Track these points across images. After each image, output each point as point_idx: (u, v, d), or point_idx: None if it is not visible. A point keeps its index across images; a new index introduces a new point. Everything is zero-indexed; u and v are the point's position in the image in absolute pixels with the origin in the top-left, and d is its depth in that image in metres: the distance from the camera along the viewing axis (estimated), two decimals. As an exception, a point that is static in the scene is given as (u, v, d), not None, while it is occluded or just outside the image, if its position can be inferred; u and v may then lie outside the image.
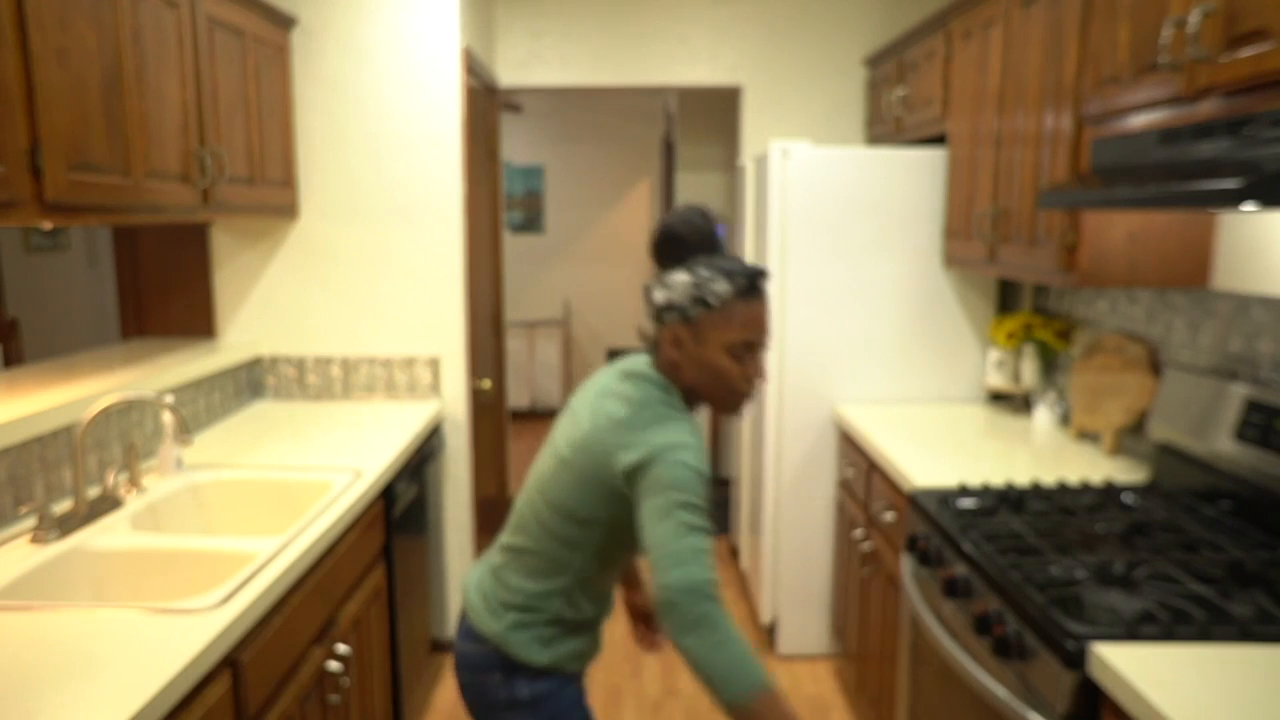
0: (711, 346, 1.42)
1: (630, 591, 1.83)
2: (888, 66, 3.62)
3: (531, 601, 1.49)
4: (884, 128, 3.66)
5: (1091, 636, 1.35)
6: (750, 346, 1.43)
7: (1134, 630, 1.36)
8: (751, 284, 1.41)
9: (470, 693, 1.55)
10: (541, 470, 1.51)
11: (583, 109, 6.98)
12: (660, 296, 1.43)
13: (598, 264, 7.24)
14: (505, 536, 1.56)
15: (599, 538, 1.46)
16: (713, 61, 4.03)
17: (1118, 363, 2.39)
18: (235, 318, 3.08)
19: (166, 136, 2.10)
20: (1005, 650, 1.52)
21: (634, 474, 1.36)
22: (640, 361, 1.50)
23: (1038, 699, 1.43)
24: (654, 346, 1.48)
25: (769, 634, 3.35)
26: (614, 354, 6.01)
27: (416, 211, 3.05)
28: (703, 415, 5.20)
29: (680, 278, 1.41)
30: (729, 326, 1.41)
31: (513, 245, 7.12)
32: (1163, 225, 2.06)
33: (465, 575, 1.56)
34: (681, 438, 1.37)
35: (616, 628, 3.51)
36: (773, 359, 3.14)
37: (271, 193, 2.77)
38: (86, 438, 2.04)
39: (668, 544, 1.28)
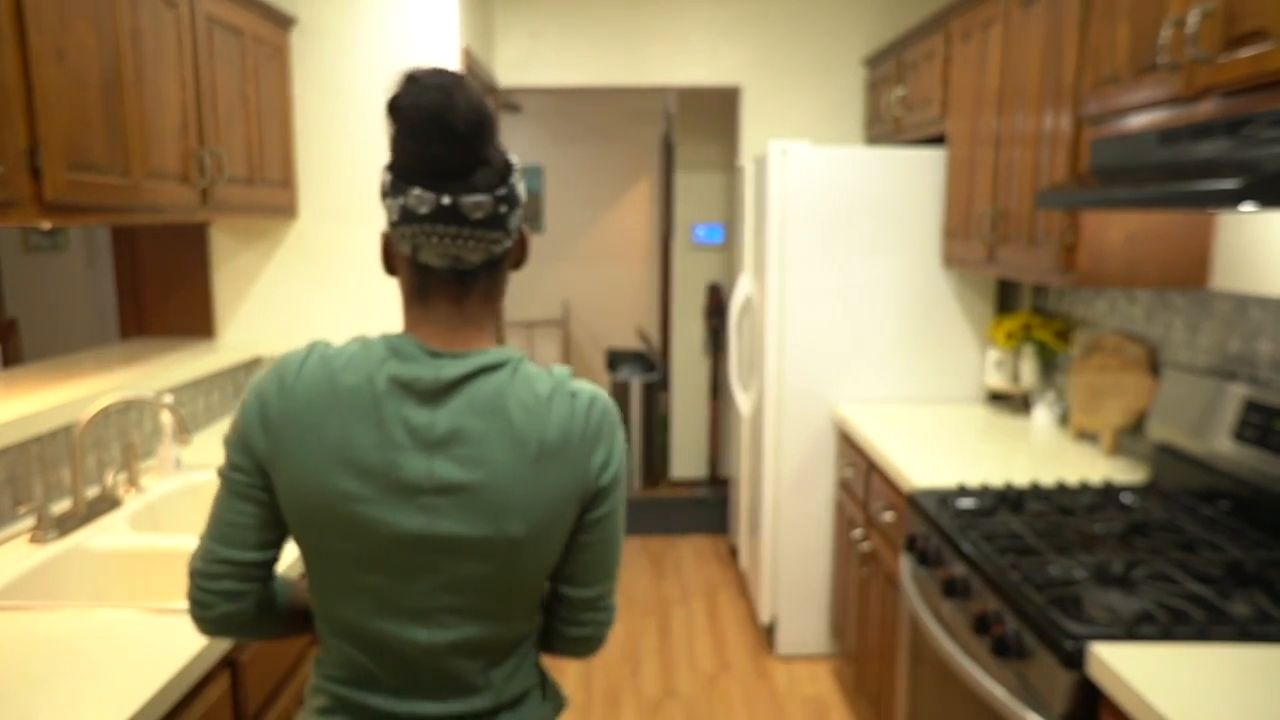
0: None
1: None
2: (887, 66, 3.62)
3: None
4: (883, 128, 3.67)
5: (1090, 636, 1.35)
6: None
7: (1133, 630, 1.36)
8: None
9: None
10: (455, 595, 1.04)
11: (582, 109, 6.98)
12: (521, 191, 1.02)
13: (597, 264, 7.24)
14: (453, 671, 1.05)
15: None
16: (712, 61, 4.03)
17: (1117, 363, 2.39)
18: (234, 318, 3.07)
19: (165, 136, 2.10)
20: (1004, 650, 1.52)
21: None
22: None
23: (1036, 699, 1.43)
24: (496, 288, 1.05)
25: (768, 634, 3.35)
26: (614, 354, 6.01)
27: (416, 211, 3.05)
28: (703, 415, 5.20)
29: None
30: None
31: (512, 245, 7.11)
32: (1162, 225, 2.06)
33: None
34: None
35: (615, 627, 3.52)
36: (772, 359, 3.14)
37: (270, 193, 2.77)
38: (85, 438, 2.04)
39: None
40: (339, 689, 1.05)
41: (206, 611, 1.04)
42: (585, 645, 1.14)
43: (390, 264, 1.05)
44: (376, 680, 1.03)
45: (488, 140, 0.97)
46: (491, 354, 1.00)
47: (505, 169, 0.99)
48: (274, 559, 1.07)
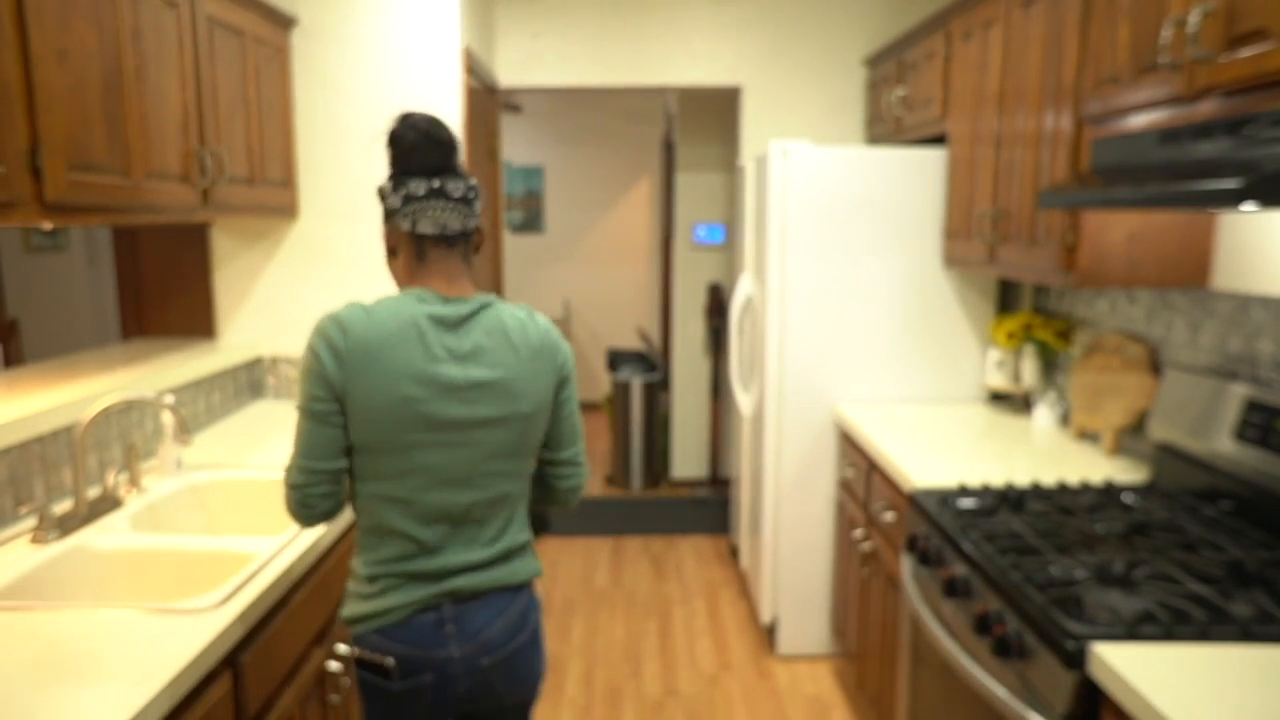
0: None
1: None
2: (888, 66, 3.62)
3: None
4: (884, 128, 3.66)
5: (1091, 636, 1.35)
6: None
7: (1134, 630, 1.36)
8: None
9: (510, 676, 1.53)
10: (487, 459, 1.47)
11: (583, 109, 6.98)
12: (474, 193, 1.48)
13: (598, 264, 7.24)
14: (477, 519, 1.47)
15: None
16: (713, 61, 4.03)
17: (1118, 363, 2.39)
18: (235, 318, 3.08)
19: (166, 136, 2.10)
20: (1005, 650, 1.52)
21: None
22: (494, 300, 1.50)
23: (1037, 699, 1.43)
24: (471, 251, 1.51)
25: (769, 634, 3.35)
26: (615, 354, 6.01)
27: (416, 211, 3.05)
28: (704, 415, 5.20)
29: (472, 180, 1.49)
30: None
31: (513, 245, 7.12)
32: (1163, 225, 2.06)
33: (465, 563, 1.45)
34: None
35: (616, 627, 3.52)
36: (773, 359, 3.14)
37: (271, 193, 2.77)
38: (87, 438, 2.04)
39: None
40: (391, 566, 1.43)
41: (311, 510, 1.41)
42: (572, 493, 1.64)
43: (392, 249, 1.47)
44: (423, 546, 1.42)
45: (457, 153, 1.46)
46: (481, 297, 1.46)
47: (467, 177, 1.48)
48: (348, 467, 1.43)
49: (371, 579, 1.44)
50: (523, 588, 1.54)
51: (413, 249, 1.44)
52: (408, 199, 1.42)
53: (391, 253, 1.47)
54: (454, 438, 1.40)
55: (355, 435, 1.38)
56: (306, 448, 1.39)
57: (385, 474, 1.40)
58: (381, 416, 1.36)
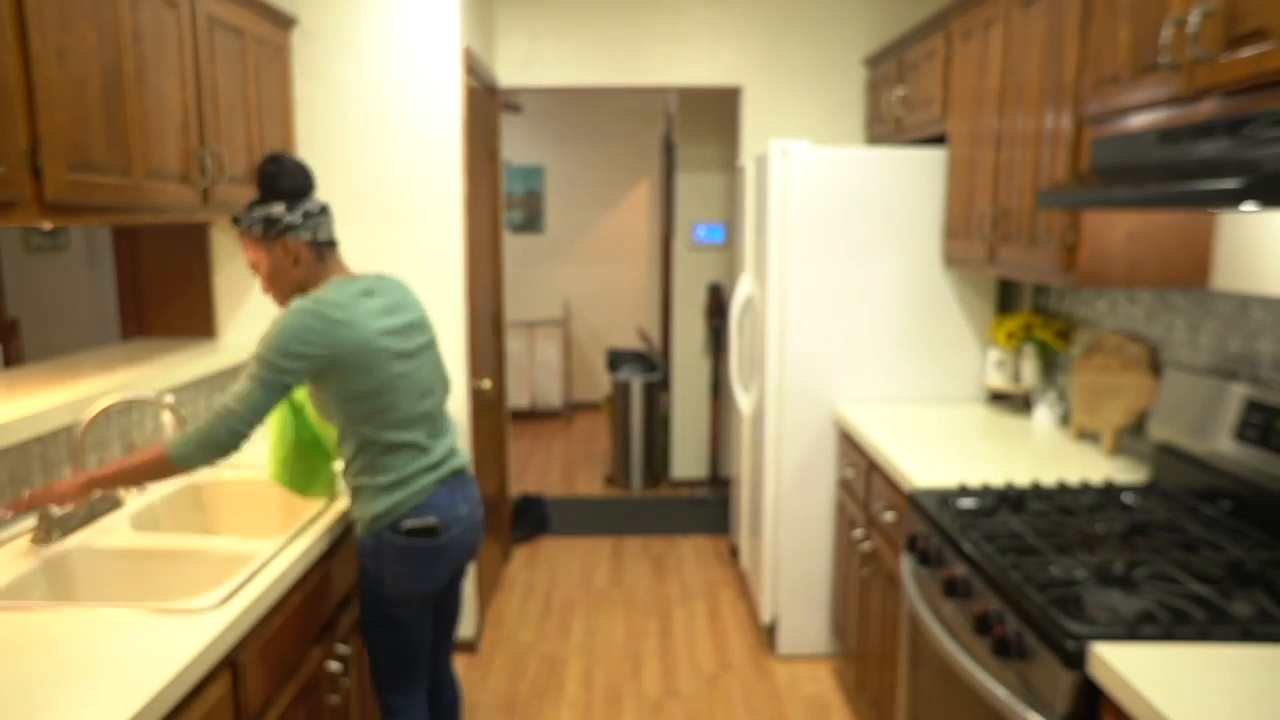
0: None
1: None
2: (888, 66, 3.62)
3: None
4: (884, 128, 3.66)
5: (1091, 636, 1.35)
6: None
7: (1134, 630, 1.36)
8: None
9: (482, 529, 2.07)
10: (424, 375, 1.94)
11: (583, 109, 6.98)
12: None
13: (598, 264, 7.24)
14: (439, 415, 1.99)
15: None
16: (713, 61, 4.03)
17: (1118, 363, 2.39)
18: (235, 318, 3.07)
19: (166, 136, 2.10)
20: (1005, 650, 1.52)
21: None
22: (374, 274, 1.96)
23: (1037, 699, 1.43)
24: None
25: (769, 634, 3.35)
26: (614, 354, 6.01)
27: (416, 211, 3.05)
28: (704, 415, 5.20)
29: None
30: None
31: (513, 245, 7.12)
32: (1163, 225, 2.06)
33: (443, 455, 1.94)
34: None
35: (616, 627, 3.52)
36: (773, 359, 3.14)
37: (271, 193, 2.77)
38: (87, 438, 2.04)
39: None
40: (407, 468, 1.86)
41: (233, 449, 1.73)
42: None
43: (295, 259, 1.84)
44: (419, 446, 1.89)
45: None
46: (368, 272, 1.96)
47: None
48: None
49: (394, 483, 1.85)
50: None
51: (314, 253, 1.85)
52: (307, 215, 1.83)
53: (294, 263, 1.84)
54: (411, 364, 1.88)
55: (356, 387, 1.79)
56: (259, 409, 1.72)
57: (381, 406, 1.83)
58: (372, 366, 1.79)
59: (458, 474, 1.97)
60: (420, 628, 1.96)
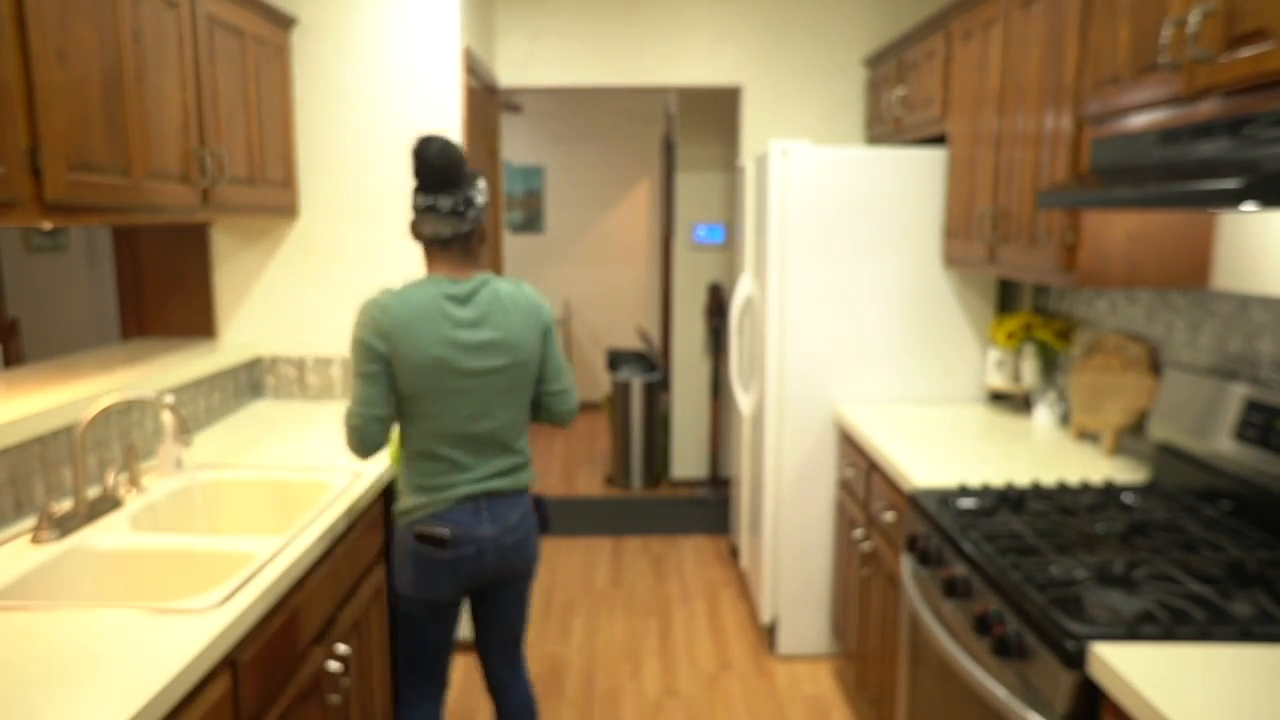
0: None
1: None
2: (888, 66, 3.62)
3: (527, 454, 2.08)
4: (884, 128, 3.66)
5: (1091, 636, 1.35)
6: None
7: (1134, 630, 1.36)
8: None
9: (519, 551, 2.03)
10: (484, 397, 1.94)
11: (583, 109, 6.98)
12: (481, 199, 1.92)
13: (598, 264, 7.24)
14: (494, 442, 1.97)
15: None
16: (713, 61, 4.03)
17: (1118, 363, 2.39)
18: (235, 318, 3.08)
19: (166, 136, 2.10)
20: (1005, 650, 1.52)
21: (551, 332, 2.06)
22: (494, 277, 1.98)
23: (1037, 699, 1.43)
24: (472, 246, 1.94)
25: (769, 634, 3.35)
26: (615, 354, 6.01)
27: (416, 211, 3.05)
28: (704, 415, 5.20)
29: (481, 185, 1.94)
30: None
31: (513, 245, 7.12)
32: (1163, 225, 2.06)
33: (482, 476, 1.95)
34: None
35: (616, 627, 3.52)
36: (773, 359, 3.14)
37: (271, 193, 2.77)
38: (87, 438, 2.04)
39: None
40: (436, 478, 1.91)
41: (366, 443, 1.87)
42: (567, 414, 2.11)
43: (417, 236, 1.92)
44: (454, 463, 1.91)
45: (456, 172, 1.87)
46: (480, 276, 1.94)
47: (468, 187, 1.90)
48: (393, 414, 1.91)
49: (422, 486, 1.92)
50: (527, 490, 2.06)
51: (424, 246, 1.92)
52: (415, 210, 1.89)
53: (416, 237, 1.92)
54: (472, 384, 1.89)
55: (403, 386, 1.85)
56: (364, 399, 1.85)
57: (426, 414, 1.88)
58: (421, 371, 1.84)
59: (495, 495, 1.96)
60: (432, 631, 2.00)
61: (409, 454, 1.94)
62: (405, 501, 1.94)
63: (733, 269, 4.78)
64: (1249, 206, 1.37)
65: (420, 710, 2.07)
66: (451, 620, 2.06)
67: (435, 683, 2.08)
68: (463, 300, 1.88)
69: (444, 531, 1.90)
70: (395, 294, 1.85)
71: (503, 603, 2.12)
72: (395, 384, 1.86)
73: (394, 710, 2.11)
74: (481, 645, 2.18)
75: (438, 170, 1.85)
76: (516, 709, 2.23)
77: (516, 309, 1.94)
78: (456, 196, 1.88)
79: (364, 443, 1.88)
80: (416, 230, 1.90)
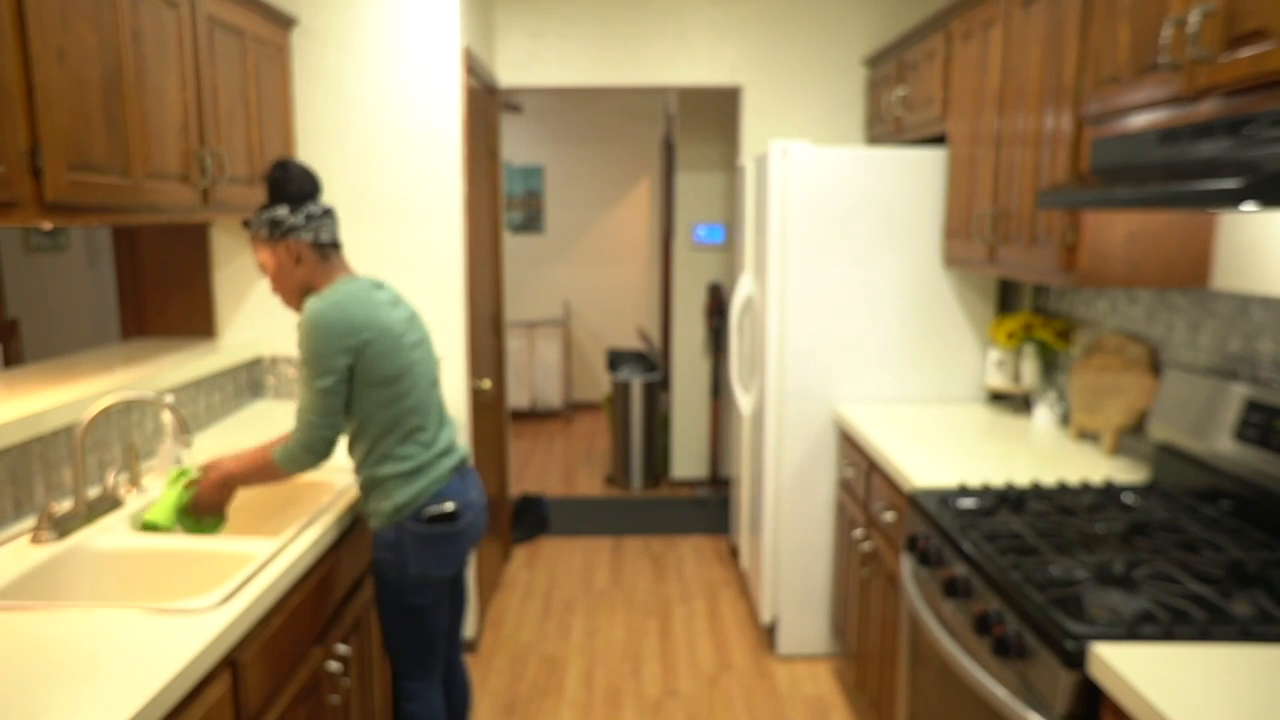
0: None
1: None
2: (888, 66, 3.62)
3: None
4: (884, 128, 3.66)
5: (1091, 636, 1.35)
6: None
7: (1134, 630, 1.36)
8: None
9: (487, 515, 2.16)
10: (429, 366, 2.06)
11: (583, 109, 6.98)
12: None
13: (598, 264, 7.24)
14: (439, 412, 2.08)
15: None
16: (713, 61, 4.03)
17: (1118, 363, 2.39)
18: (235, 318, 3.08)
19: (166, 136, 2.10)
20: (1005, 650, 1.52)
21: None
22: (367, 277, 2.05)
23: (1037, 699, 1.43)
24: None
25: (769, 634, 3.35)
26: (615, 354, 6.01)
27: (416, 211, 3.05)
28: (704, 415, 5.20)
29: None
30: None
31: (513, 245, 7.12)
32: (1163, 225, 2.06)
33: (449, 444, 2.06)
34: None
35: (616, 627, 3.52)
36: (773, 359, 3.14)
37: (271, 193, 2.77)
38: (86, 438, 2.04)
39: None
40: (422, 455, 1.97)
41: (326, 454, 1.90)
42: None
43: (296, 259, 1.93)
44: (430, 434, 2.00)
45: (316, 180, 1.98)
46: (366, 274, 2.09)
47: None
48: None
49: (414, 470, 1.96)
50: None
51: (316, 254, 1.95)
52: (309, 217, 1.93)
53: (296, 262, 1.93)
54: (420, 353, 2.02)
55: (383, 371, 1.90)
56: (333, 410, 1.88)
57: (402, 391, 1.94)
58: (393, 349, 1.91)
59: (464, 462, 2.10)
60: (439, 613, 2.06)
61: (386, 446, 1.95)
62: (401, 495, 1.94)
63: (733, 269, 4.78)
64: (1249, 206, 1.37)
65: (428, 694, 2.11)
66: (447, 598, 2.12)
67: (439, 664, 2.13)
68: (378, 286, 1.98)
69: (451, 506, 1.99)
70: (333, 299, 1.86)
71: (462, 576, 2.23)
72: (368, 375, 1.89)
73: (395, 705, 2.11)
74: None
75: (311, 179, 1.95)
76: (464, 685, 2.34)
77: (402, 296, 2.13)
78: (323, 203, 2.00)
79: (325, 455, 1.91)
80: (318, 237, 1.93)
